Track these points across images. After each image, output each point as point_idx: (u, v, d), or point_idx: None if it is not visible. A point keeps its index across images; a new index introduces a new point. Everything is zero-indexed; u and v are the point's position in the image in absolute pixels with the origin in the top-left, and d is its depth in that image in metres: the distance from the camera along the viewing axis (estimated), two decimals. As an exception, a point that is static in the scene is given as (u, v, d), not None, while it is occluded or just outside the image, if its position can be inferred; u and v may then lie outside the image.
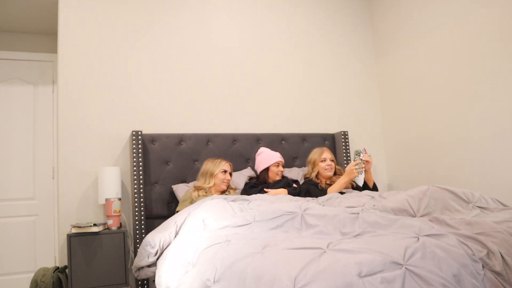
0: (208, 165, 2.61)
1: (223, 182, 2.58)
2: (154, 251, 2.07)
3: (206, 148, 2.95)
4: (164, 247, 2.07)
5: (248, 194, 2.57)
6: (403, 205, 1.74)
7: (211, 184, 2.56)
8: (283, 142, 3.20)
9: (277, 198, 2.22)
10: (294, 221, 1.66)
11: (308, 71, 3.49)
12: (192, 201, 2.46)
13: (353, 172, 2.51)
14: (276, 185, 2.70)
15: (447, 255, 1.14)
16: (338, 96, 3.57)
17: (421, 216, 1.68)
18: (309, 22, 3.56)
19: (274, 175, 2.75)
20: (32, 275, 3.22)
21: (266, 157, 2.78)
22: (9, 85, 3.55)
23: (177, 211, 2.49)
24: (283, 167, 2.86)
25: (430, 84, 3.10)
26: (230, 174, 2.64)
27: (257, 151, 2.91)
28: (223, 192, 2.63)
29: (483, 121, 2.66)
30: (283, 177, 2.83)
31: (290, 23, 3.49)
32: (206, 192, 2.54)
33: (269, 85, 3.34)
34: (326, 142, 3.34)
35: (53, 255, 3.48)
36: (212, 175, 2.57)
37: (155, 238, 2.08)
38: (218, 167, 2.58)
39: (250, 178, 2.89)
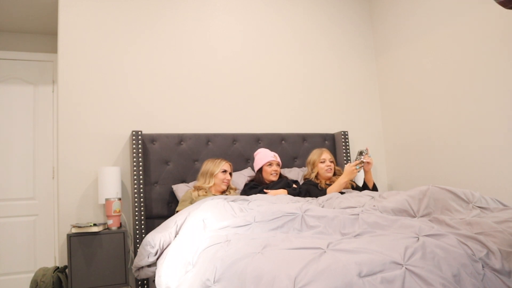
0: (208, 165, 2.62)
1: (223, 182, 2.58)
2: (154, 251, 2.07)
3: (206, 148, 2.95)
4: (164, 247, 2.07)
5: (248, 195, 2.57)
6: (403, 205, 1.74)
7: (211, 184, 2.56)
8: (283, 142, 3.20)
9: (277, 199, 2.22)
10: (294, 222, 1.66)
11: (308, 71, 3.49)
12: (192, 201, 2.46)
13: (353, 172, 2.51)
14: (276, 185, 2.69)
15: (447, 255, 1.14)
16: (338, 96, 3.57)
17: (421, 217, 1.68)
18: (309, 22, 3.56)
19: (267, 175, 2.75)
20: (32, 275, 3.23)
21: (260, 158, 2.79)
22: (9, 85, 3.55)
23: (177, 211, 2.49)
24: (281, 166, 2.85)
25: (430, 83, 3.10)
26: (230, 174, 2.64)
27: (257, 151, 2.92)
28: (223, 192, 2.63)
29: (484, 120, 2.66)
30: (281, 176, 2.82)
31: (290, 22, 3.49)
32: (206, 192, 2.54)
33: (269, 85, 3.33)
34: (326, 142, 3.34)
35: (53, 255, 3.48)
36: (212, 175, 2.57)
37: (155, 238, 2.08)
38: (218, 167, 2.58)
39: (251, 180, 2.90)
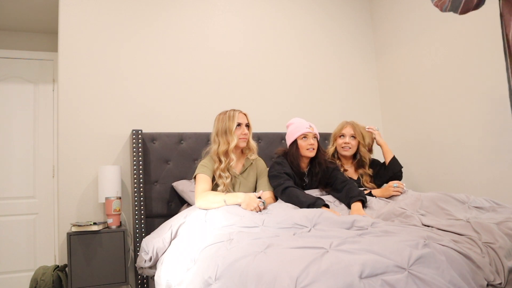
0: (221, 121, 2.23)
1: (240, 138, 2.21)
2: (148, 258, 2.05)
3: (206, 147, 2.94)
4: (158, 254, 2.02)
5: (272, 183, 2.22)
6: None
7: (233, 144, 2.16)
8: (283, 141, 3.20)
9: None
10: (301, 231, 1.63)
11: (308, 70, 3.49)
12: (213, 172, 2.22)
13: (390, 192, 2.22)
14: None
15: (451, 262, 1.13)
16: (338, 95, 3.56)
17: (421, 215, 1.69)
18: (310, 22, 3.56)
19: (303, 151, 2.30)
20: (32, 273, 3.22)
21: (291, 131, 2.37)
22: (10, 84, 3.55)
23: (194, 177, 2.32)
24: (318, 139, 2.41)
25: (430, 83, 3.10)
26: (248, 126, 2.25)
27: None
28: (242, 152, 2.32)
29: (483, 120, 2.66)
30: (318, 161, 2.42)
31: (290, 22, 3.49)
32: (227, 159, 2.17)
33: (269, 84, 3.33)
34: (326, 141, 3.34)
35: (53, 253, 3.48)
36: (231, 131, 2.17)
37: (149, 244, 2.05)
38: (233, 121, 2.20)
39: (284, 153, 2.43)
